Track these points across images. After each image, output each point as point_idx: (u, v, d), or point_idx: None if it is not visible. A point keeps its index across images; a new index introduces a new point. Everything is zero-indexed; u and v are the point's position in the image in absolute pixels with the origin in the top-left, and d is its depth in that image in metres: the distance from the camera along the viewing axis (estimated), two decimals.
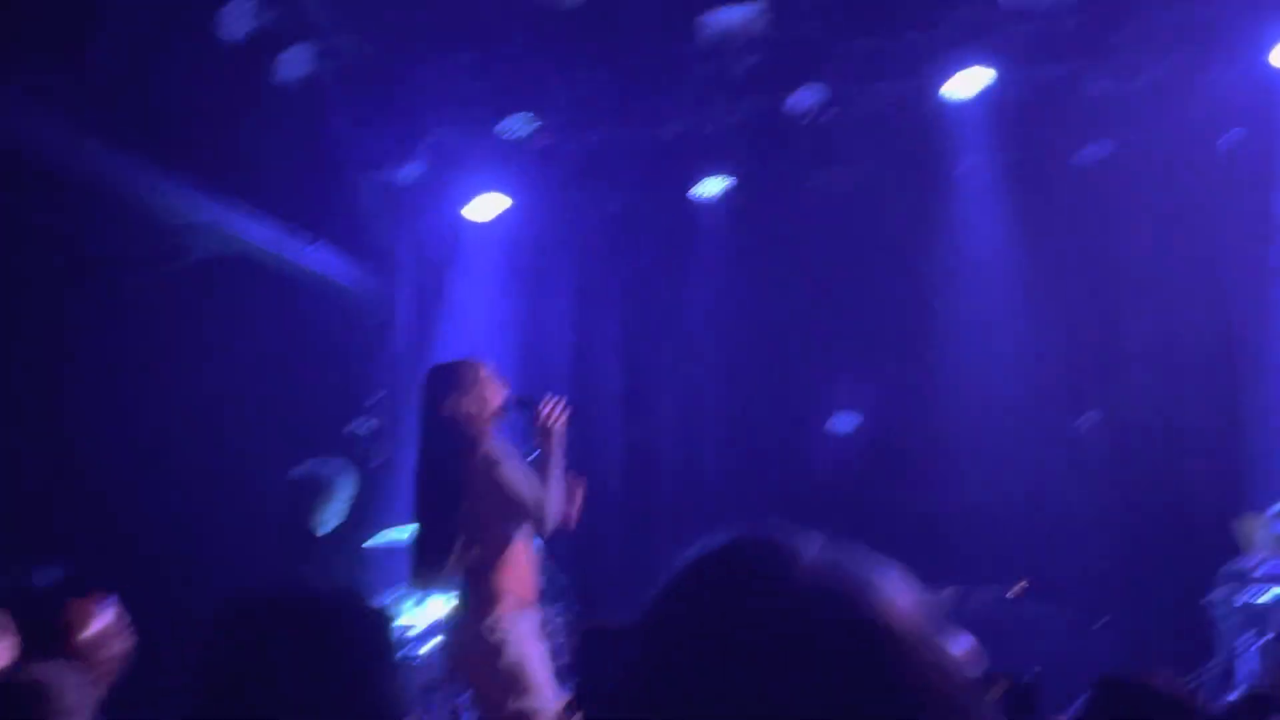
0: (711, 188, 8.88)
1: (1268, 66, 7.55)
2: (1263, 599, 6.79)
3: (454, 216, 9.08)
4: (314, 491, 6.62)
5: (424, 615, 6.55)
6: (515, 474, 4.77)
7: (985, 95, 7.97)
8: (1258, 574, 6.90)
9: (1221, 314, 8.72)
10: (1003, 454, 8.78)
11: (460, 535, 4.78)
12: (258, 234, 8.07)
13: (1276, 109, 7.92)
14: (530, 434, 4.89)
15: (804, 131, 8.45)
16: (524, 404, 4.99)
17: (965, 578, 7.75)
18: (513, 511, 4.74)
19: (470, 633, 4.70)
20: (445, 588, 5.00)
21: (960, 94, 7.91)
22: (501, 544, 4.76)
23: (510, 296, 9.32)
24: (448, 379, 4.95)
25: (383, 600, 6.12)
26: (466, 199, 8.95)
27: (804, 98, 8.06)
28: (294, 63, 7.57)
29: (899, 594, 1.11)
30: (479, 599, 4.72)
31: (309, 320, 8.54)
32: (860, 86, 8.22)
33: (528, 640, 4.67)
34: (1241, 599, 6.90)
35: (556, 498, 4.78)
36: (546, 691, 4.61)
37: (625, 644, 1.12)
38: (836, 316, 9.28)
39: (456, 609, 4.83)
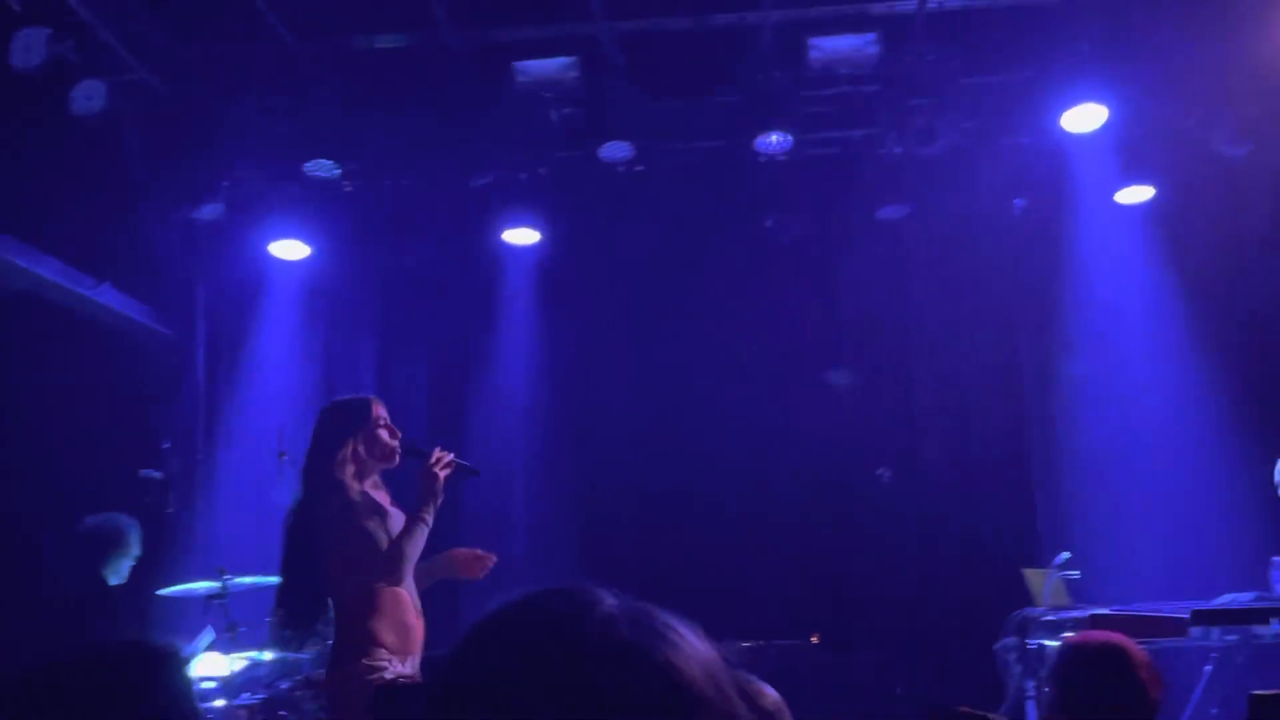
0: (522, 237, 8.86)
1: (1060, 130, 7.93)
2: (1050, 644, 7.04)
3: (257, 258, 8.83)
4: (106, 542, 6.34)
5: (219, 666, 6.33)
6: (372, 521, 4.70)
7: (793, 153, 8.15)
8: (1045, 621, 7.16)
9: (1014, 369, 9.10)
10: (801, 504, 8.94)
11: (327, 581, 4.68)
12: (47, 271, 7.73)
13: (1067, 171, 8.34)
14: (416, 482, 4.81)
15: (616, 184, 8.53)
16: (413, 452, 4.91)
17: (763, 629, 7.87)
18: (371, 559, 4.65)
19: (345, 676, 4.59)
20: (311, 640, 4.83)
21: (770, 151, 8.08)
22: (369, 590, 4.66)
23: (317, 340, 9.12)
24: (338, 418, 4.86)
25: (180, 651, 5.87)
26: (270, 240, 8.73)
27: (617, 150, 8.12)
28: (89, 97, 7.28)
29: (695, 647, 1.10)
30: (354, 644, 4.61)
31: (101, 363, 8.19)
32: (674, 142, 8.35)
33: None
34: (1030, 645, 7.15)
35: (414, 548, 4.70)
36: None
37: (424, 699, 1.10)
38: (645, 368, 9.34)
39: (331, 654, 4.70)
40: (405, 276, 9.27)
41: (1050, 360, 8.91)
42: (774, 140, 7.96)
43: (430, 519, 4.74)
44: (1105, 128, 7.80)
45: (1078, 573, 6.92)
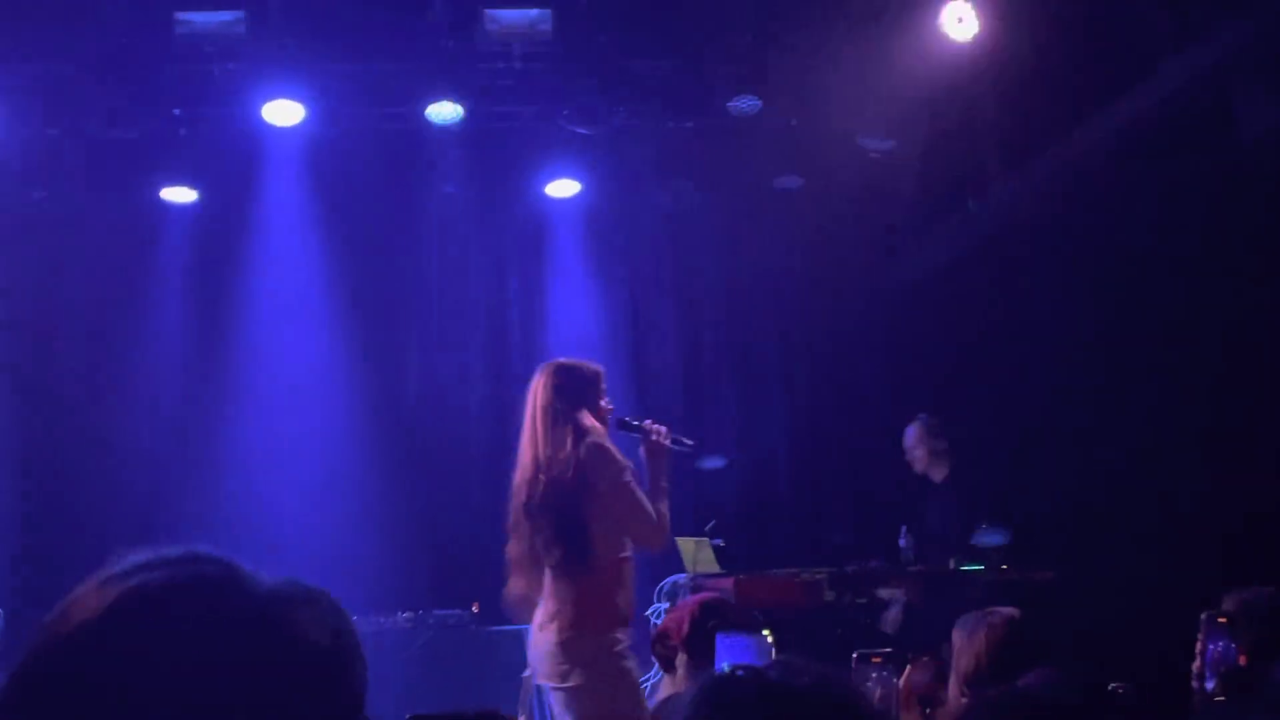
0: (179, 195, 8.52)
1: (726, 115, 8.21)
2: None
3: None
4: None
5: None
6: (640, 488, 4.60)
7: (464, 124, 8.14)
8: (694, 586, 7.46)
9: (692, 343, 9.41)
10: (456, 479, 8.96)
11: (593, 545, 4.52)
12: None
13: (728, 158, 8.66)
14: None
15: (282, 145, 8.31)
16: (624, 425, 4.82)
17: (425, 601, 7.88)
18: (640, 526, 4.58)
19: (598, 646, 4.47)
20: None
21: (438, 122, 8.04)
22: (626, 559, 4.58)
23: None
24: (584, 376, 4.71)
25: None
26: None
27: (282, 111, 7.89)
28: None
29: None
30: (606, 613, 4.50)
31: None
32: (344, 106, 8.18)
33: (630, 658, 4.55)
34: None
35: (667, 516, 4.67)
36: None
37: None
38: (302, 335, 9.07)
39: (570, 619, 4.52)
40: (52, 229, 8.68)
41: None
42: (445, 110, 7.94)
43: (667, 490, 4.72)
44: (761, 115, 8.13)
45: (721, 540, 7.26)
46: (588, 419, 4.65)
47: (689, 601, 4.55)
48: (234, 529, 8.01)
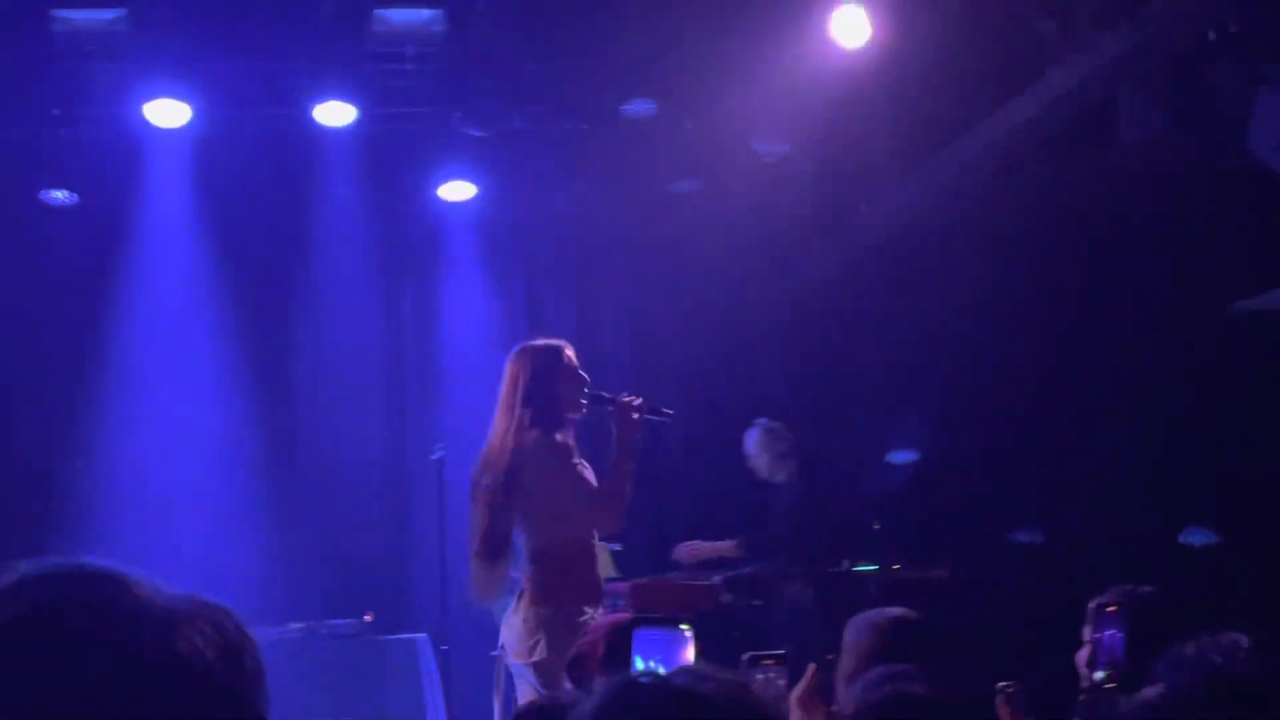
0: (60, 197, 8.30)
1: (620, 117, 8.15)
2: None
3: None
4: None
5: None
6: (581, 471, 4.70)
7: (352, 129, 8.05)
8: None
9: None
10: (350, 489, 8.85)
11: (529, 530, 4.65)
12: None
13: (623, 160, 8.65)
14: (605, 429, 4.82)
15: (166, 147, 8.13)
16: (600, 400, 4.82)
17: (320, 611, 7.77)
18: (579, 510, 4.67)
19: (552, 614, 4.57)
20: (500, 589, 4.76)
21: (328, 123, 7.94)
22: (570, 540, 4.68)
23: None
24: (543, 359, 4.75)
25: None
26: None
27: (166, 111, 7.71)
28: None
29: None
30: (554, 591, 4.59)
31: None
32: (230, 108, 8.01)
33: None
34: None
35: (627, 495, 4.72)
36: None
37: None
38: (188, 342, 8.88)
39: (528, 597, 4.62)
40: None
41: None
42: (337, 111, 7.83)
43: (634, 466, 4.74)
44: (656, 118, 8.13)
45: (619, 545, 7.23)
46: (542, 403, 4.74)
47: (601, 623, 4.52)
48: (120, 537, 7.80)
